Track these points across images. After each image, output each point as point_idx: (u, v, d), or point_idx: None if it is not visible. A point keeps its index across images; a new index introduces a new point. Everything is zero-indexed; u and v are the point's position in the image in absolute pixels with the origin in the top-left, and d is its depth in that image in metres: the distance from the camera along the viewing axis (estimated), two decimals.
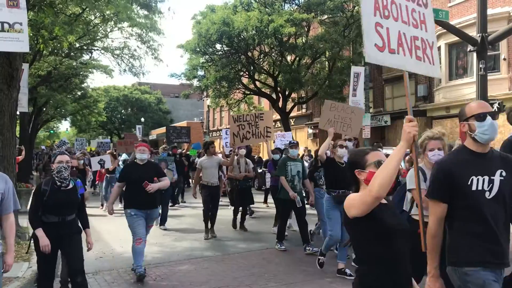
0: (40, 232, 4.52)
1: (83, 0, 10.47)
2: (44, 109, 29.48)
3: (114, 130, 53.84)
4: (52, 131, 55.13)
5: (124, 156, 13.96)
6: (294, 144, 8.35)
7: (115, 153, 14.84)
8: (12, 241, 3.74)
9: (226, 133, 15.16)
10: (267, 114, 9.45)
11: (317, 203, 8.06)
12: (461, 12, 19.08)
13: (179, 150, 15.79)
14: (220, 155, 11.35)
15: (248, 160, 10.62)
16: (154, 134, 49.80)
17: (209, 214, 9.30)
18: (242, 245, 8.58)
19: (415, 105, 21.65)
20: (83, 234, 4.91)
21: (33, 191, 4.90)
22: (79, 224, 4.93)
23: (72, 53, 22.06)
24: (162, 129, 49.45)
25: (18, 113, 10.91)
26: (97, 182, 15.99)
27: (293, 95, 25.07)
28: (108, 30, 20.04)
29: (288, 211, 8.25)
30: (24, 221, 10.17)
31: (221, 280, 6.20)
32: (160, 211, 9.01)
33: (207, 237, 9.17)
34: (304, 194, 8.45)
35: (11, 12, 6.78)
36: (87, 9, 14.10)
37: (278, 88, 23.77)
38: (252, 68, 23.80)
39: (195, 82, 25.73)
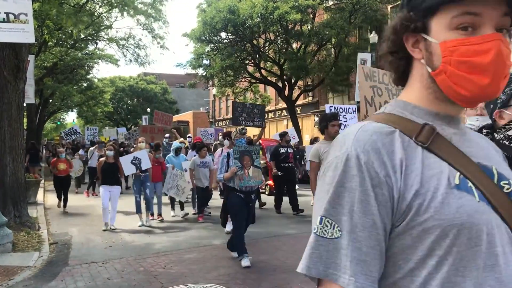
0: None
1: None
2: (51, 100, 29.63)
3: (120, 121, 53.96)
4: (58, 123, 55.44)
5: (176, 144, 11.19)
6: None
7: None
8: None
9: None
10: None
11: None
12: None
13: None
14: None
15: None
16: None
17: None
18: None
19: None
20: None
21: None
22: None
23: (77, 44, 22.10)
24: None
25: (25, 104, 10.96)
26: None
27: (299, 83, 24.97)
28: (113, 19, 20.03)
29: None
30: (34, 211, 10.29)
31: (230, 267, 6.23)
32: None
33: None
34: None
35: (16, 3, 6.77)
36: None
37: (284, 76, 23.67)
38: (257, 56, 23.70)
39: (201, 71, 25.69)
